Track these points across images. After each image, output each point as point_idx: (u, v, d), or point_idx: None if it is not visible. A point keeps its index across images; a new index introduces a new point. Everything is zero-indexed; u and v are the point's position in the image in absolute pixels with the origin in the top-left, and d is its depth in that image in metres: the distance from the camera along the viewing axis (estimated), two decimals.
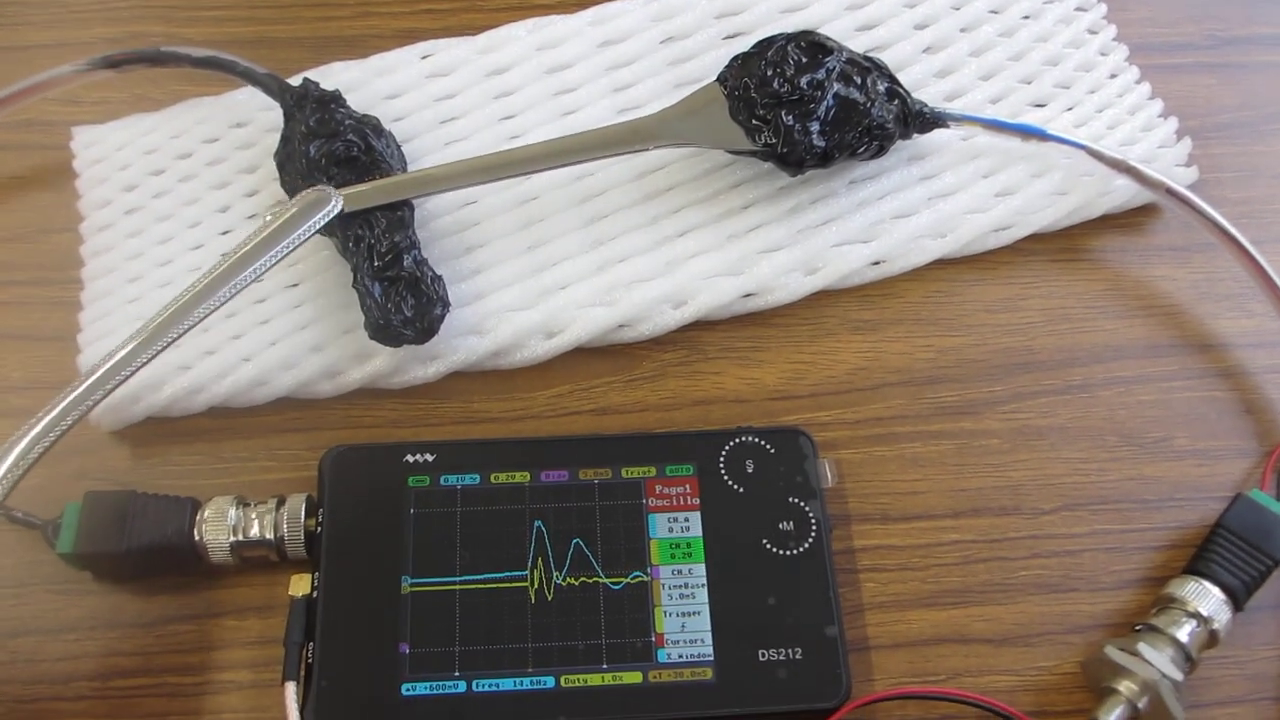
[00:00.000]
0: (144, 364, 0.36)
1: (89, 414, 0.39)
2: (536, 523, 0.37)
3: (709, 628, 0.36)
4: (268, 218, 0.40)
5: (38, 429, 0.34)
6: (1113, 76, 0.48)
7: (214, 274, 0.37)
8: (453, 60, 0.47)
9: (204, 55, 0.44)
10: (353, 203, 0.40)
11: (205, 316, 0.37)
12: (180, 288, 0.41)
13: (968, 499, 0.40)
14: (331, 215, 0.39)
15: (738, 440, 0.39)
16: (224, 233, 0.43)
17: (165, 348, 0.36)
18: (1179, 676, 0.35)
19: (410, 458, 0.38)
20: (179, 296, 0.37)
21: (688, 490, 0.38)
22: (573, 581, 0.37)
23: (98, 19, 0.49)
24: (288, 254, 0.39)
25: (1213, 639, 0.36)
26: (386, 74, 0.46)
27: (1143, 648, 0.35)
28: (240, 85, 0.45)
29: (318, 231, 0.41)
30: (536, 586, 0.37)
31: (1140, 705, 0.35)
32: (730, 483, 0.39)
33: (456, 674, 0.35)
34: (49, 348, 0.42)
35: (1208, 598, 0.36)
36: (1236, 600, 0.37)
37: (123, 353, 0.36)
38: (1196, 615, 0.36)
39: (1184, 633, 0.36)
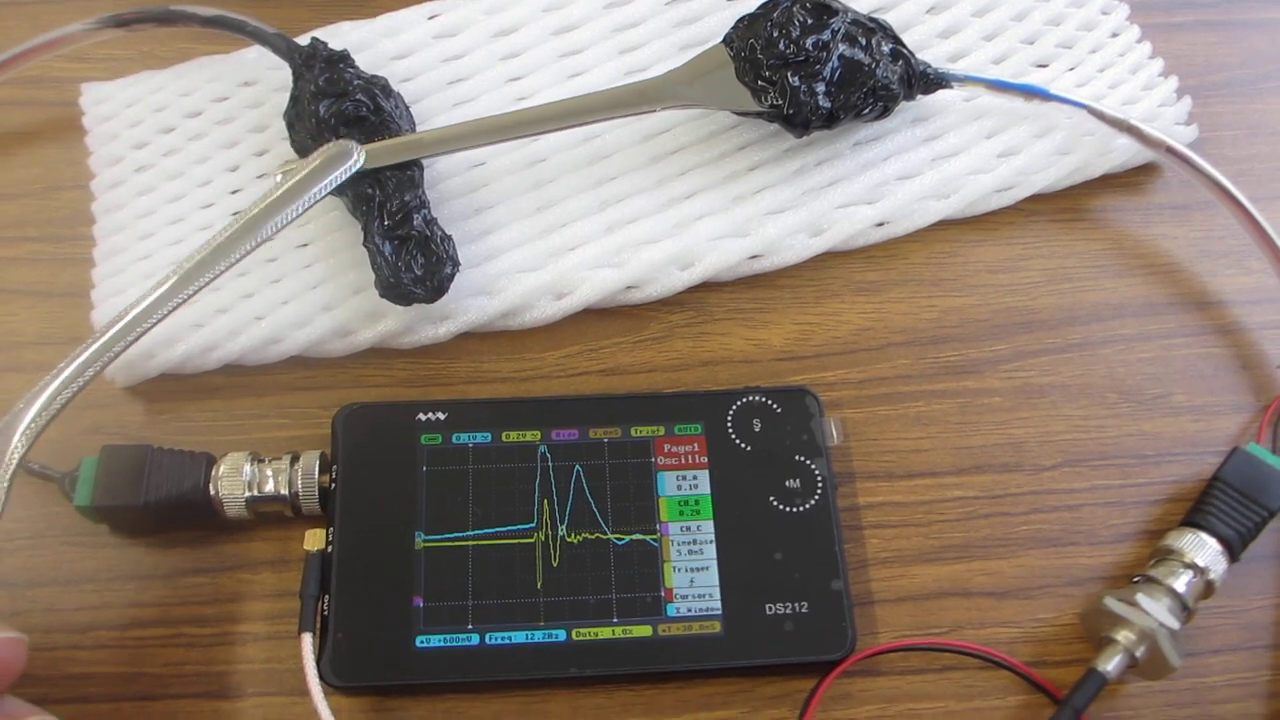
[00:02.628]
0: (166, 315, 0.36)
1: (105, 369, 0.40)
2: (547, 480, 0.38)
3: (717, 583, 0.37)
4: (278, 178, 0.40)
5: (56, 384, 0.34)
6: (1114, 35, 0.49)
7: (236, 226, 0.37)
8: (460, 21, 0.47)
9: (212, 14, 0.44)
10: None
11: (227, 269, 0.37)
12: (191, 245, 0.42)
13: (970, 456, 0.41)
14: (355, 168, 0.39)
15: (745, 400, 0.40)
16: (234, 191, 0.43)
17: (186, 300, 0.36)
18: (1176, 625, 0.36)
19: (423, 416, 0.39)
20: (203, 248, 0.37)
21: (696, 449, 0.39)
22: (583, 537, 0.37)
23: None
24: (312, 205, 0.39)
25: (1209, 589, 0.37)
26: (394, 34, 0.46)
27: (1140, 598, 0.36)
28: (248, 44, 0.45)
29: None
30: (547, 542, 0.37)
31: (1138, 654, 0.36)
32: (738, 441, 0.39)
33: (470, 627, 0.36)
34: (61, 303, 0.42)
35: (1204, 549, 0.37)
36: (1232, 551, 0.37)
37: (146, 302, 0.36)
38: (1193, 566, 0.37)
39: (1181, 583, 0.37)
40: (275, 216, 0.38)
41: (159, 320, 0.36)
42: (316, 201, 0.39)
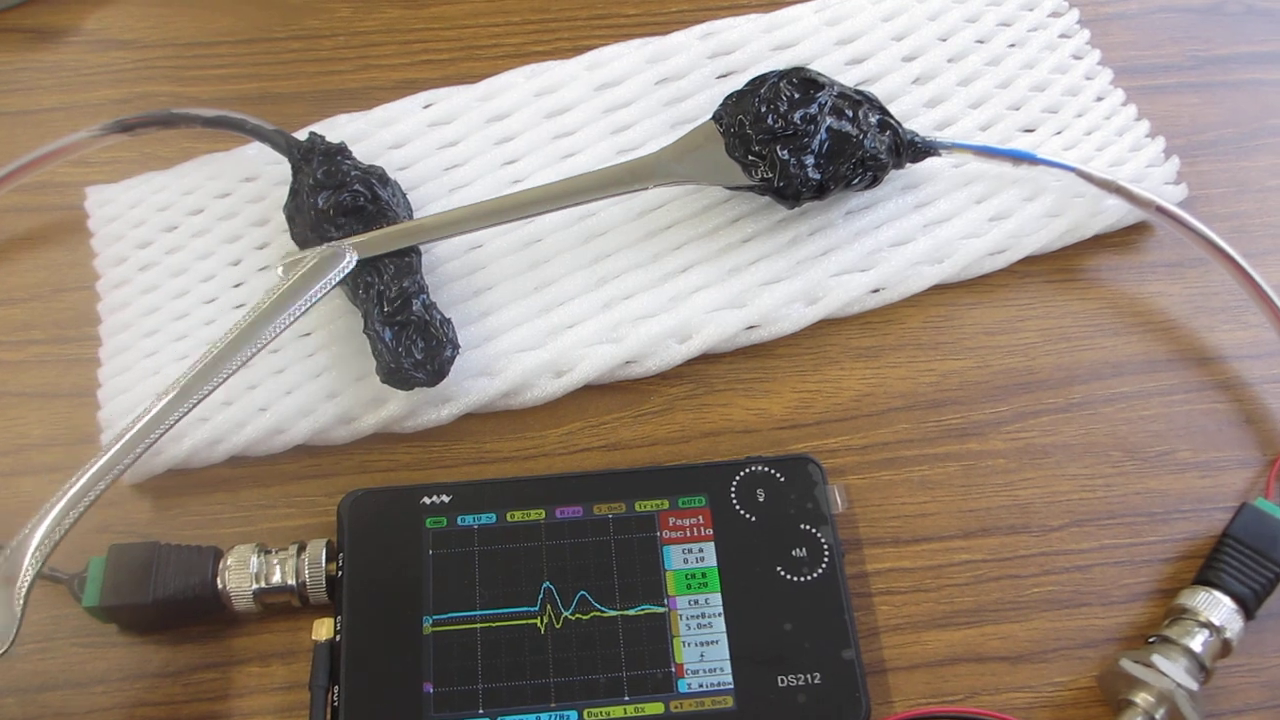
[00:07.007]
0: (170, 426, 0.37)
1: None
2: (553, 559, 0.38)
3: (727, 656, 0.37)
4: (280, 270, 0.41)
5: (60, 505, 0.35)
6: (1099, 99, 0.49)
7: (233, 335, 0.38)
8: (454, 108, 0.48)
9: (213, 115, 0.45)
10: (361, 251, 0.41)
11: (228, 377, 0.38)
12: (196, 341, 0.43)
13: (976, 519, 0.41)
14: (347, 270, 0.40)
15: (748, 470, 0.40)
16: (237, 285, 0.44)
17: (191, 409, 0.37)
18: (1194, 686, 0.35)
19: (427, 499, 0.39)
20: (202, 357, 0.38)
21: (701, 521, 0.39)
22: (592, 615, 0.37)
23: (104, 81, 0.50)
24: (305, 311, 0.39)
25: (1226, 648, 0.37)
26: (390, 124, 0.47)
27: (1157, 659, 0.36)
28: (248, 141, 0.46)
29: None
30: (556, 622, 0.37)
31: (1157, 716, 0.35)
32: (742, 512, 0.39)
33: (481, 711, 0.36)
34: (68, 404, 0.42)
35: (1219, 607, 0.37)
36: (1247, 608, 0.37)
37: (150, 415, 0.37)
38: (1209, 625, 0.37)
39: (1197, 643, 0.36)
40: (270, 324, 0.39)
41: (160, 435, 0.36)
42: (310, 307, 0.40)
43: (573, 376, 0.42)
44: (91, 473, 0.35)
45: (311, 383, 0.42)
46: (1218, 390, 0.44)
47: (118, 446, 0.36)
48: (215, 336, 0.42)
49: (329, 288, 0.40)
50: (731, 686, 0.36)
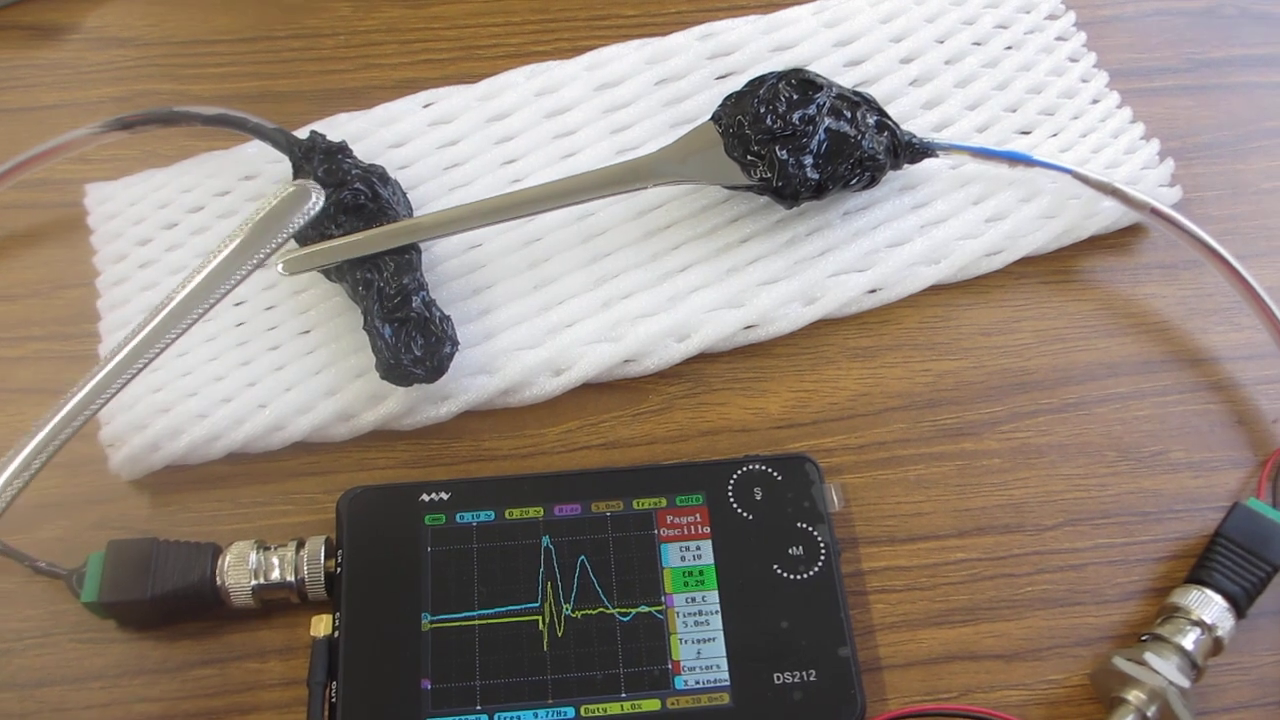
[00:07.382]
0: (152, 359, 0.37)
1: (102, 449, 0.40)
2: (551, 557, 0.38)
3: (724, 653, 0.37)
4: (279, 268, 0.41)
5: (31, 447, 0.35)
6: (1094, 102, 0.50)
7: (195, 284, 0.38)
8: (454, 108, 0.48)
9: (214, 113, 0.45)
10: (361, 248, 0.41)
11: (189, 328, 0.38)
12: (195, 338, 0.42)
13: (971, 518, 0.41)
14: (314, 209, 0.40)
15: (745, 469, 0.40)
16: None
17: (158, 355, 0.37)
18: (1186, 684, 0.36)
19: (426, 497, 0.39)
20: (160, 306, 0.37)
21: (698, 519, 0.39)
22: (588, 613, 0.37)
23: (105, 79, 0.51)
24: (274, 251, 0.39)
25: (1217, 646, 0.37)
26: (390, 123, 0.47)
27: (1149, 657, 0.36)
28: (248, 139, 0.46)
29: (330, 279, 0.43)
30: (553, 619, 0.37)
31: (1149, 714, 0.36)
32: (739, 510, 0.39)
33: (478, 708, 0.36)
34: None
35: (1211, 606, 0.37)
36: (1239, 607, 0.37)
37: (121, 355, 0.36)
38: (1200, 623, 0.37)
39: (1189, 641, 0.37)
40: (236, 268, 0.38)
41: (136, 374, 0.36)
42: (279, 247, 0.39)
43: (571, 375, 0.42)
44: (58, 418, 0.35)
45: (311, 379, 0.42)
46: (1211, 391, 0.44)
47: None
48: (213, 333, 0.43)
49: (294, 229, 0.40)
50: (728, 683, 0.36)
